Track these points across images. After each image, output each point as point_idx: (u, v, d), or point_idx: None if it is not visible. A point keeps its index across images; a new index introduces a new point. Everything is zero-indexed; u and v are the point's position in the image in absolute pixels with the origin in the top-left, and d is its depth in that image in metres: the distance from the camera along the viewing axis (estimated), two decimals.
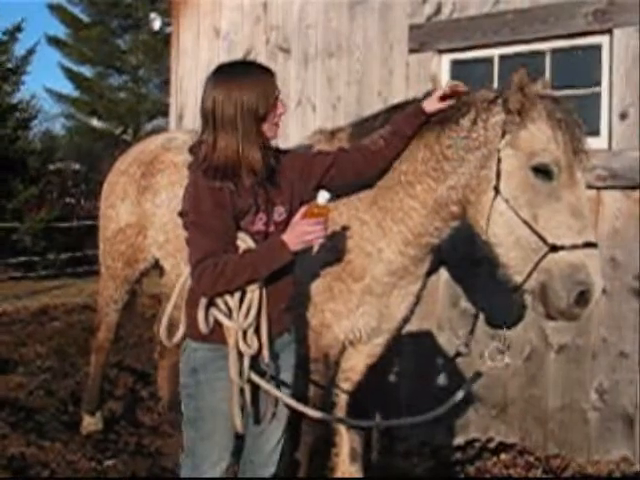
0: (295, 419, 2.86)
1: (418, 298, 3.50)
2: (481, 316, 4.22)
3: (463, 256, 4.31)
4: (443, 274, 4.54)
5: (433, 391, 4.49)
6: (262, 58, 5.40)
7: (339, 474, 3.74)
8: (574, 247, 2.52)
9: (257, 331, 2.47)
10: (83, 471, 3.94)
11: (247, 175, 2.42)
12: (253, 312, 2.42)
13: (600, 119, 4.16)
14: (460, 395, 2.76)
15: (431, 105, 2.88)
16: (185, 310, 2.58)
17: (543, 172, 2.61)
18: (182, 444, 2.64)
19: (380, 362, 3.75)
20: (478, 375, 2.88)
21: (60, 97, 22.79)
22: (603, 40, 4.16)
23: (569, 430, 4.19)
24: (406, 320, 3.56)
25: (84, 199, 17.23)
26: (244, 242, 2.42)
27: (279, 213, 2.53)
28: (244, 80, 2.41)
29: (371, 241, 3.17)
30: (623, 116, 4.04)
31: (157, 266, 4.37)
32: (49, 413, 4.82)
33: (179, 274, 3.97)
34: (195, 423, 2.55)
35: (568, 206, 2.57)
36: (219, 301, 2.42)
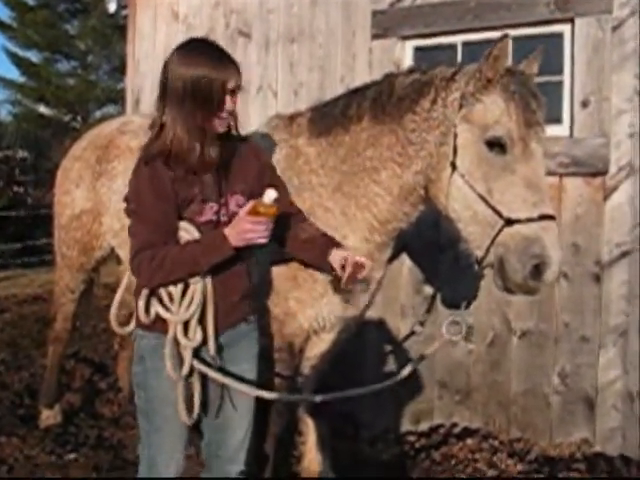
0: (262, 412, 2.81)
1: (380, 285, 3.49)
2: (446, 304, 4.24)
3: (427, 242, 4.32)
4: (407, 260, 4.55)
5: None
6: (221, 42, 5.14)
7: (306, 462, 3.73)
8: (529, 220, 2.50)
9: (203, 322, 2.41)
10: (43, 466, 3.83)
11: (189, 163, 2.33)
12: (195, 303, 2.35)
13: (562, 107, 4.21)
14: (406, 372, 2.87)
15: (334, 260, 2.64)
16: (134, 299, 2.51)
17: (497, 145, 2.59)
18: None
19: (343, 350, 3.73)
20: (422, 357, 2.95)
21: (6, 82, 22.08)
22: (565, 29, 4.21)
23: (532, 414, 4.25)
24: (368, 307, 3.54)
25: (33, 188, 16.73)
26: (187, 232, 2.34)
27: (237, 203, 2.43)
28: (201, 58, 2.30)
29: (335, 228, 3.12)
30: (584, 104, 4.09)
31: (114, 254, 4.26)
32: (4, 407, 4.68)
33: None
34: (146, 414, 2.50)
35: (523, 179, 2.55)
36: (162, 291, 2.37)
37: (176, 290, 2.34)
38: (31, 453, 3.95)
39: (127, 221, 3.85)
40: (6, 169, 16.30)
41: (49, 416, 4.44)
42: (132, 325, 2.59)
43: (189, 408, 2.43)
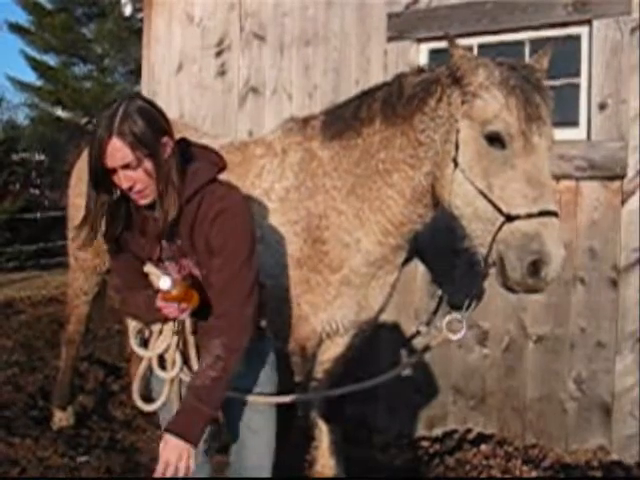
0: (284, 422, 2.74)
1: (394, 288, 3.46)
2: (454, 306, 4.20)
3: (441, 246, 4.28)
4: (420, 264, 4.51)
5: (411, 381, 4.47)
6: (236, 45, 5.31)
7: (319, 467, 3.70)
8: (529, 216, 2.43)
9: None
10: (55, 468, 3.83)
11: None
12: (169, 337, 2.37)
13: (579, 110, 4.16)
14: (412, 360, 2.83)
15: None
16: None
17: (496, 140, 2.54)
18: (156, 438, 2.58)
19: (357, 353, 3.71)
20: (427, 348, 2.96)
21: (23, 86, 22.24)
22: (582, 31, 4.16)
23: (547, 420, 4.20)
24: (382, 310, 3.52)
25: (49, 190, 16.84)
26: (154, 275, 2.34)
27: (190, 269, 2.36)
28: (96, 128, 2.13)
29: (349, 231, 3.11)
30: (602, 107, 4.04)
31: None
32: (18, 408, 4.70)
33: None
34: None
35: (523, 174, 2.48)
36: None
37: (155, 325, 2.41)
38: (44, 455, 3.96)
39: None
40: (23, 172, 16.42)
41: (62, 418, 4.46)
42: None
43: None
